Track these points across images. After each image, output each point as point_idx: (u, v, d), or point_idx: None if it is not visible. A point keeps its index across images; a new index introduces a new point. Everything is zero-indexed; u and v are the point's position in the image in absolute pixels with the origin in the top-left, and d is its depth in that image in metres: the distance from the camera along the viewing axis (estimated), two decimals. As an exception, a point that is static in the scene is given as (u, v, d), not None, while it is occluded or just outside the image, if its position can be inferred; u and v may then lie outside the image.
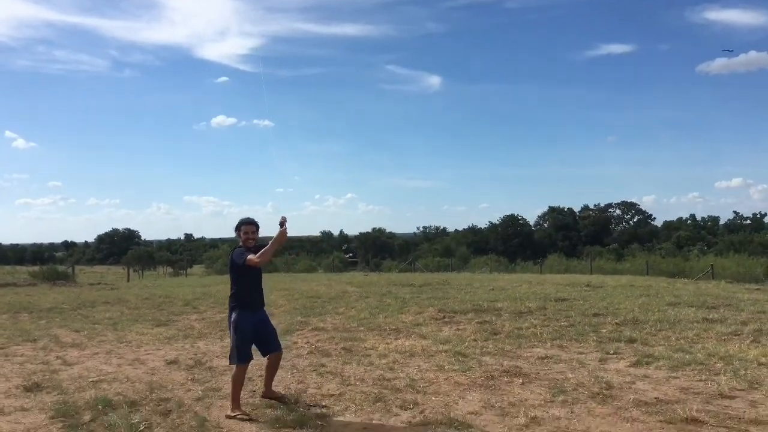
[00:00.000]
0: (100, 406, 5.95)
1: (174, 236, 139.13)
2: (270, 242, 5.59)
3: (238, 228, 5.93)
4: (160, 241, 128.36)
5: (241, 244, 5.88)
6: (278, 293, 17.03)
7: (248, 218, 5.95)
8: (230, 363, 5.87)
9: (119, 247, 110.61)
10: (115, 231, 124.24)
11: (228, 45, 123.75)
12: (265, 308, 6.14)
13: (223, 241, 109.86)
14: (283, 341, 9.63)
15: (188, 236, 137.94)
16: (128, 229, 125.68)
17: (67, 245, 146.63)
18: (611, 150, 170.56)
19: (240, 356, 5.76)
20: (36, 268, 36.30)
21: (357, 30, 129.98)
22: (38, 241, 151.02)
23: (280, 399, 6.08)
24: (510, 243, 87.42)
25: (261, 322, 5.94)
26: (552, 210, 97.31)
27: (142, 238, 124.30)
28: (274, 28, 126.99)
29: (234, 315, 5.83)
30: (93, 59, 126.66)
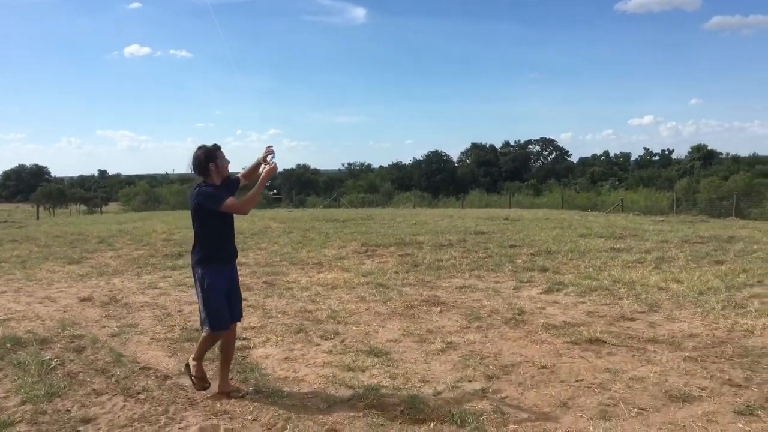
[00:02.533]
0: (8, 345, 5.73)
1: (87, 172, 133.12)
2: (258, 183, 4.49)
3: (209, 157, 4.44)
4: (72, 178, 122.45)
5: (204, 181, 4.46)
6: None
7: (216, 145, 4.54)
8: (212, 331, 4.48)
9: (27, 184, 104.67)
10: (21, 167, 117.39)
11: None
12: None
13: (140, 177, 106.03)
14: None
15: (102, 172, 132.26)
16: (36, 165, 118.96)
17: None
18: (533, 87, 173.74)
19: (222, 319, 4.47)
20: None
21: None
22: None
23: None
24: (433, 179, 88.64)
25: (233, 281, 4.64)
26: (474, 146, 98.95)
27: (52, 174, 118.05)
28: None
29: (204, 271, 4.44)
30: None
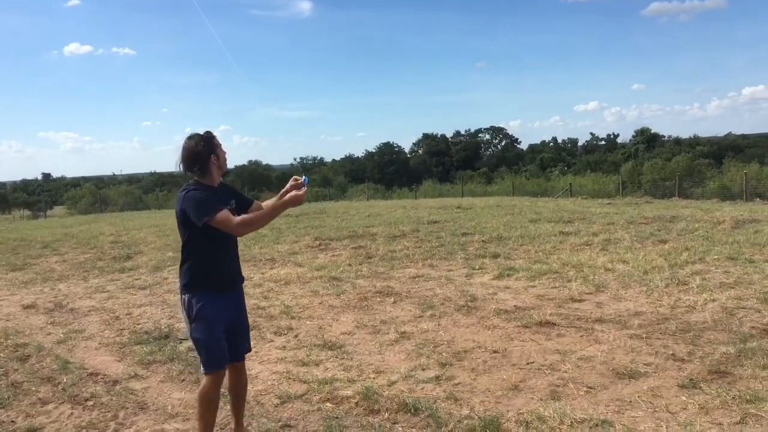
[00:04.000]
0: (-54, 358, 5.51)
1: (30, 176, 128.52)
2: (273, 205, 3.52)
3: (210, 147, 3.46)
4: (14, 182, 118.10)
5: (196, 181, 3.46)
6: (148, 230, 16.34)
7: (210, 132, 3.52)
8: (205, 372, 3.45)
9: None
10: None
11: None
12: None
13: (86, 179, 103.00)
14: (154, 278, 9.35)
15: (46, 176, 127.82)
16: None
17: None
18: (480, 76, 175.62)
19: (213, 359, 3.43)
20: None
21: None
22: None
23: None
24: (386, 171, 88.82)
25: (237, 312, 3.61)
26: (426, 137, 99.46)
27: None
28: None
29: (192, 298, 3.41)
30: None
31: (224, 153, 3.55)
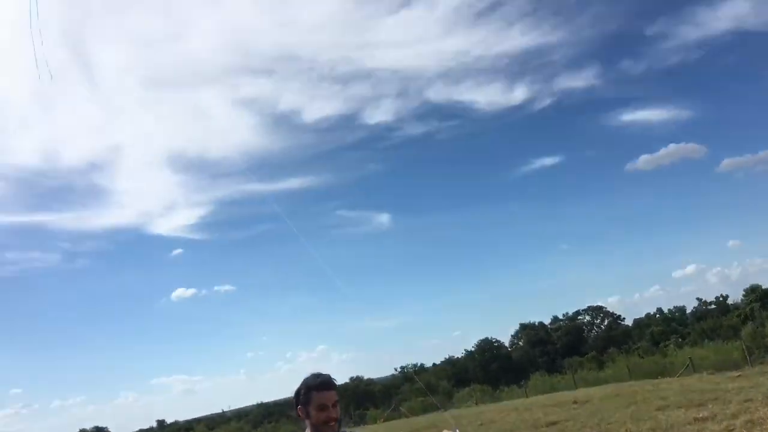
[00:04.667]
0: None
1: (146, 425, 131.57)
2: None
3: (307, 396, 3.10)
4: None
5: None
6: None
7: (320, 376, 3.16)
8: None
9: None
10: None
11: (178, 217, 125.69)
12: None
13: (198, 420, 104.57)
14: None
15: (161, 423, 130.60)
16: (97, 427, 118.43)
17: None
18: (567, 257, 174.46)
19: None
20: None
21: (301, 182, 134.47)
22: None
23: None
24: (489, 368, 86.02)
25: None
26: (523, 327, 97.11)
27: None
28: (220, 193, 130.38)
29: None
30: (45, 255, 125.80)
31: (331, 407, 3.08)
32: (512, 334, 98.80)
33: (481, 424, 16.92)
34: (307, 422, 3.07)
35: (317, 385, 3.06)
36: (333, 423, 3.05)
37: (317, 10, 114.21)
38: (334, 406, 3.09)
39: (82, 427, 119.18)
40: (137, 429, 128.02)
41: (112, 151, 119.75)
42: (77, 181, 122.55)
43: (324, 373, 3.18)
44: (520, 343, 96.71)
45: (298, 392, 3.09)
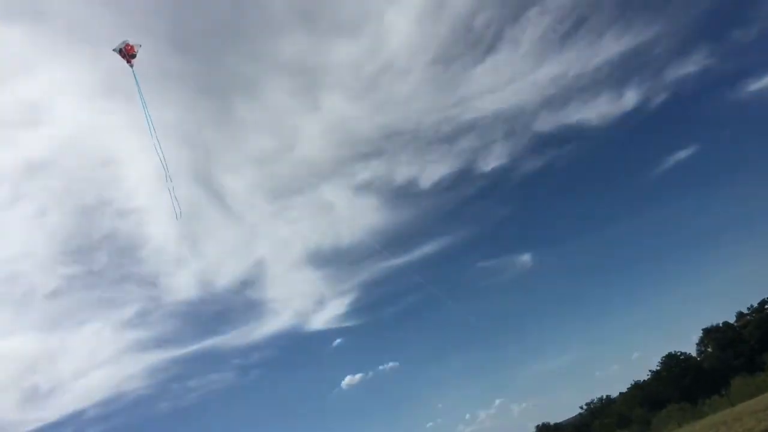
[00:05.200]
0: None
1: None
2: None
3: None
4: None
5: None
6: None
7: None
8: None
9: None
10: None
11: (330, 309, 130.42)
12: None
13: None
14: None
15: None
16: None
17: None
18: (736, 246, 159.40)
19: None
20: None
21: (435, 246, 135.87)
22: None
23: None
24: (682, 384, 79.61)
25: None
26: (707, 331, 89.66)
27: None
28: (362, 277, 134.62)
29: None
30: (221, 375, 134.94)
31: None
32: (696, 342, 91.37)
33: (690, 447, 15.90)
34: None
35: None
36: None
37: (406, 84, 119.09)
38: None
39: None
40: None
41: (258, 265, 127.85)
42: (233, 300, 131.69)
43: None
44: (709, 349, 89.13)
45: None
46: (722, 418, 20.64)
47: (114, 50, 29.72)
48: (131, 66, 29.75)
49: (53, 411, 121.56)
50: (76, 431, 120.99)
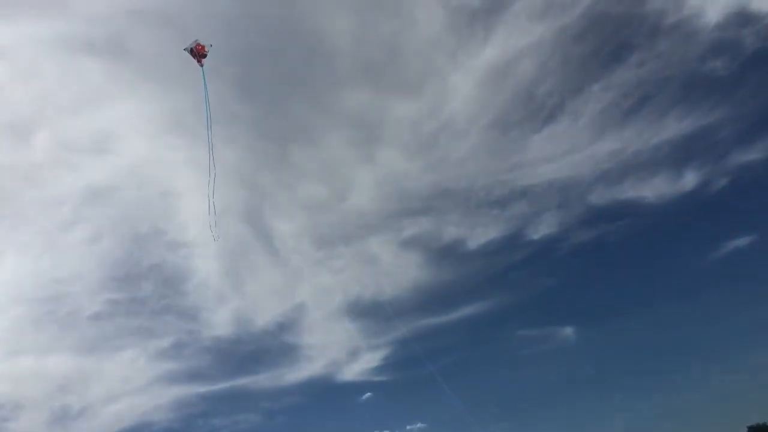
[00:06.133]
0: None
1: None
2: None
3: None
4: None
5: None
6: None
7: None
8: None
9: None
10: None
11: (362, 362, 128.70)
12: None
13: None
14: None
15: None
16: None
17: None
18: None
19: None
20: None
21: (476, 308, 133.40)
22: None
23: None
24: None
25: None
26: (752, 429, 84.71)
27: None
28: (398, 333, 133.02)
29: None
30: (247, 416, 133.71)
31: None
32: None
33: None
34: None
35: None
36: None
37: (463, 146, 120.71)
38: None
39: None
40: None
41: (297, 310, 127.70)
42: (269, 342, 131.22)
43: None
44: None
45: None
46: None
47: (185, 49, 31.82)
48: (201, 65, 31.66)
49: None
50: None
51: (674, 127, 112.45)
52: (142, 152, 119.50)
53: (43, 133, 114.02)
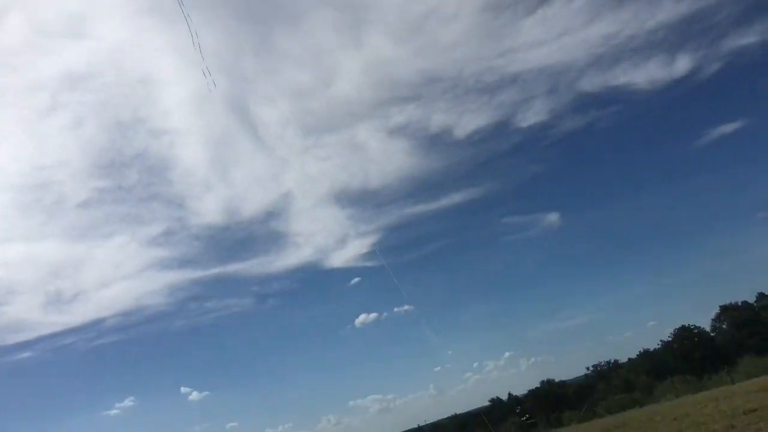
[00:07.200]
0: None
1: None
2: None
3: None
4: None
5: None
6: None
7: None
8: None
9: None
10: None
11: (351, 249, 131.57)
12: None
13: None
14: None
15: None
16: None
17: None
18: (765, 227, 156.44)
19: None
20: None
21: (463, 196, 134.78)
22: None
23: None
24: (691, 357, 79.89)
25: None
26: (725, 309, 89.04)
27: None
28: (387, 220, 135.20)
29: None
30: (239, 300, 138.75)
31: None
32: (713, 318, 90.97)
33: (675, 419, 16.24)
34: None
35: None
36: None
37: (452, 30, 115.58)
38: None
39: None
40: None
41: (284, 198, 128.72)
42: (258, 230, 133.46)
43: None
44: (723, 326, 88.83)
45: None
46: (717, 394, 20.90)
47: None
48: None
49: (75, 316, 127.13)
50: (96, 338, 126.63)
51: (671, 9, 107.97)
52: (120, 35, 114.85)
53: (15, 15, 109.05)
